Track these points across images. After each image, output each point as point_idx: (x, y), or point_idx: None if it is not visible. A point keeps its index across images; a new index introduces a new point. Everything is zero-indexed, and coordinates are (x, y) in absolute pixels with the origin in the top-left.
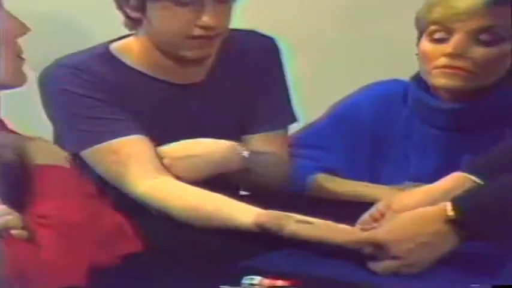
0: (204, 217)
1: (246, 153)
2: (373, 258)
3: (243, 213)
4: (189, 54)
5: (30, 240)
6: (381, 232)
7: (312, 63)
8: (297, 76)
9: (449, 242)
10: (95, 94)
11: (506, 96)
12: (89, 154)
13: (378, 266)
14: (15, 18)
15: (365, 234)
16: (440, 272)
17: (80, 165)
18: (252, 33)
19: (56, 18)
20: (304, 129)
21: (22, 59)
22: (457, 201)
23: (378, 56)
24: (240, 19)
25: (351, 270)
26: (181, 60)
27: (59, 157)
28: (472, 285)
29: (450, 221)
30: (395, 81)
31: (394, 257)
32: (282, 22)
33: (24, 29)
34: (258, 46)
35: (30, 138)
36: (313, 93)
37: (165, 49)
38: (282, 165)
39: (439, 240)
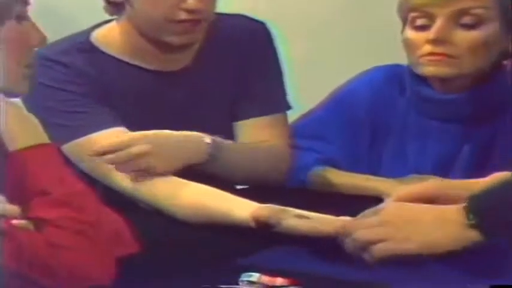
0: (202, 213)
1: (208, 139)
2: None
3: (241, 208)
4: (173, 39)
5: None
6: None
7: (309, 49)
8: (292, 63)
9: (456, 235)
10: (70, 87)
11: (503, 84)
12: (69, 149)
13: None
14: (37, 28)
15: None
16: (438, 271)
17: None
18: (241, 17)
19: (41, 6)
20: (301, 118)
21: (31, 69)
22: (471, 199)
23: (377, 42)
24: (230, 3)
25: (352, 267)
26: (165, 46)
27: (39, 131)
28: (471, 285)
29: (464, 215)
30: (396, 66)
31: (386, 224)
32: (278, 7)
33: (43, 40)
34: (248, 31)
35: None
36: (310, 80)
37: (148, 34)
38: (268, 156)
39: (444, 226)
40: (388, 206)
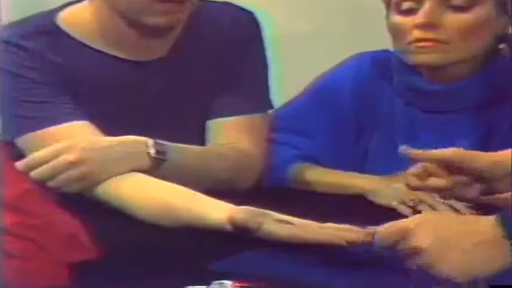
0: (170, 215)
1: (150, 143)
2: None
3: (215, 210)
4: (157, 20)
5: None
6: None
7: (300, 37)
8: (279, 56)
9: (498, 261)
10: (31, 74)
11: (501, 71)
12: (25, 142)
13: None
14: None
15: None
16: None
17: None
18: (228, 5)
19: None
20: (279, 109)
21: None
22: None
23: (364, 26)
24: None
25: (332, 273)
26: (144, 30)
27: None
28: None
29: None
30: (384, 52)
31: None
32: None
33: None
34: (232, 20)
35: None
36: (295, 67)
37: (127, 15)
38: (229, 162)
39: (486, 252)
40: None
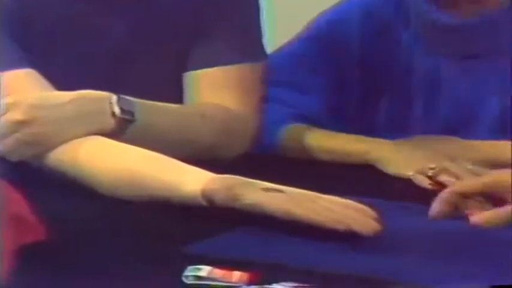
0: (138, 186)
1: (114, 100)
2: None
3: (191, 180)
4: None
5: None
6: None
7: None
8: None
9: None
10: None
11: None
12: None
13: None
14: None
15: None
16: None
17: None
18: None
19: None
20: (269, 57)
21: None
22: None
23: None
24: None
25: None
26: None
27: None
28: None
29: None
30: None
31: None
32: None
33: None
34: None
35: None
36: (295, 14)
37: None
38: (213, 124)
39: None
40: None
